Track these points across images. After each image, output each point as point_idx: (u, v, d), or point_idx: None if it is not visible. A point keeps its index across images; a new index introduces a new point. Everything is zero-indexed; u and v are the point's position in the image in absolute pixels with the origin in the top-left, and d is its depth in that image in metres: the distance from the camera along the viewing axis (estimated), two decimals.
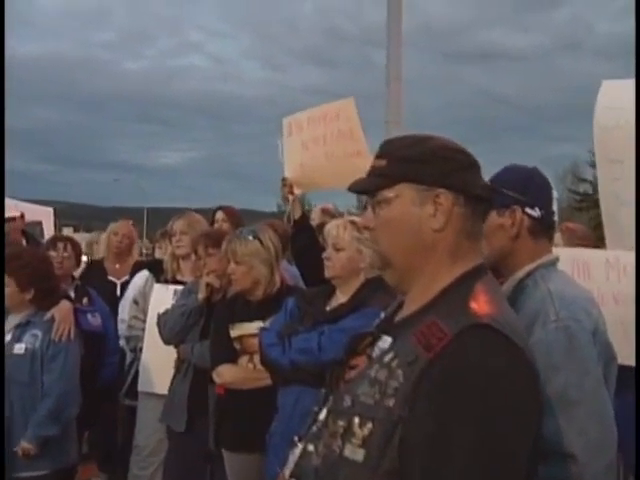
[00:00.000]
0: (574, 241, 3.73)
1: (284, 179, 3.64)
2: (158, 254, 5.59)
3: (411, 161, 1.30)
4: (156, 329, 3.63)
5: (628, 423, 1.89)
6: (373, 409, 1.16)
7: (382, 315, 1.47)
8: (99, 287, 4.48)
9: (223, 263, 3.29)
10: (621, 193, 2.75)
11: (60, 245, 4.30)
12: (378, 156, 1.37)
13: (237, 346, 3.08)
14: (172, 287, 3.91)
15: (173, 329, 3.51)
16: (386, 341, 1.26)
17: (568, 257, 2.43)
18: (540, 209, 1.83)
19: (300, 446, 1.31)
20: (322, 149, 3.53)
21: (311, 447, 1.27)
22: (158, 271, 4.15)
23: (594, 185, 34.52)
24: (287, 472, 1.31)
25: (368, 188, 1.38)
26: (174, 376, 3.60)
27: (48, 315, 3.34)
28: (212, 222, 4.48)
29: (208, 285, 3.47)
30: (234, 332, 3.08)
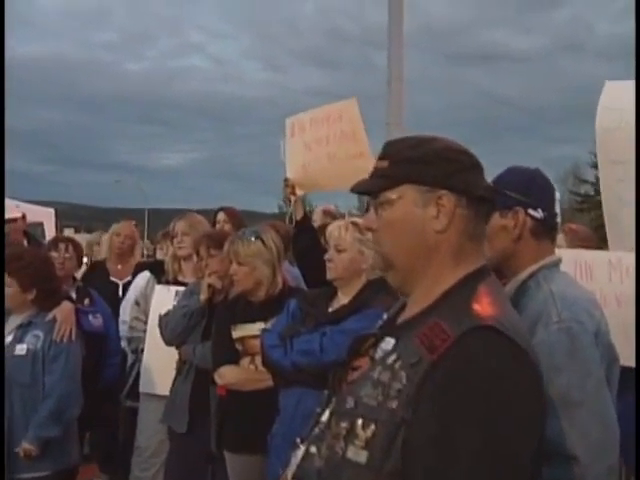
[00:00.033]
0: (577, 242, 3.74)
1: (286, 180, 3.63)
2: (159, 255, 5.59)
3: (413, 162, 1.30)
4: (157, 330, 3.63)
5: (630, 424, 1.89)
6: (376, 411, 1.16)
7: (384, 316, 1.46)
8: (101, 288, 4.48)
9: (225, 264, 3.29)
10: (623, 194, 2.75)
11: (61, 246, 4.31)
12: (381, 157, 1.37)
13: (239, 347, 3.08)
14: (173, 288, 3.90)
15: (175, 330, 3.51)
16: (389, 343, 1.25)
17: (570, 258, 2.43)
18: (543, 210, 1.83)
19: (302, 448, 1.31)
20: (325, 150, 3.53)
21: (314, 449, 1.27)
22: (159, 272, 4.15)
23: (595, 186, 34.52)
24: (289, 474, 1.31)
25: (371, 189, 1.38)
26: (175, 377, 3.60)
27: (50, 316, 3.34)
28: (214, 223, 4.49)
29: (210, 286, 3.47)
30: (236, 333, 3.08)
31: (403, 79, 6.34)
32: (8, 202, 5.20)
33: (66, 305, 3.44)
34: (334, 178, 3.53)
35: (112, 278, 4.97)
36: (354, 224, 2.79)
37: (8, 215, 4.80)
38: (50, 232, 8.99)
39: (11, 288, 3.29)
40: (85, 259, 5.70)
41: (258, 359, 2.91)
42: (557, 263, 1.85)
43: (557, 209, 1.89)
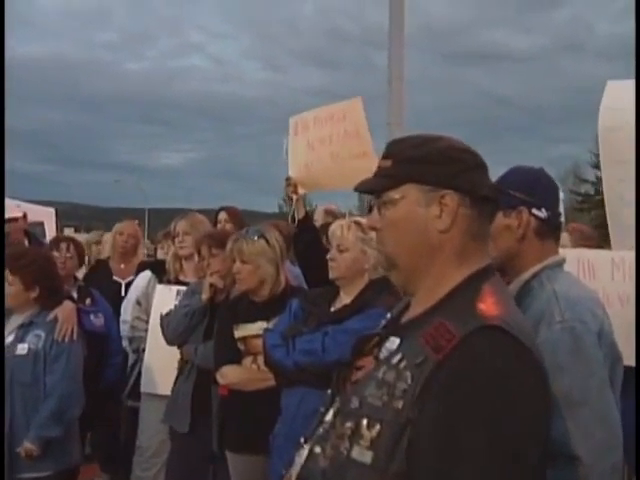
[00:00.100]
0: (581, 242, 3.74)
1: (288, 178, 3.63)
2: (160, 255, 5.59)
3: (416, 162, 1.30)
4: (159, 330, 3.63)
5: (631, 424, 1.88)
6: (381, 411, 1.15)
7: (388, 316, 1.46)
8: (104, 287, 4.49)
9: (227, 264, 3.28)
10: (625, 194, 2.75)
11: (63, 245, 4.31)
12: (384, 156, 1.37)
13: (241, 347, 3.08)
14: (175, 288, 3.90)
15: (176, 330, 3.50)
16: (393, 342, 1.25)
17: (573, 257, 2.43)
18: (547, 210, 1.83)
19: (306, 448, 1.30)
20: (328, 149, 3.52)
21: (318, 449, 1.26)
22: (161, 272, 4.15)
23: (595, 186, 34.55)
24: (294, 474, 1.30)
25: (374, 188, 1.37)
26: (177, 377, 3.59)
27: (51, 315, 3.33)
28: (215, 223, 4.49)
29: (212, 285, 3.46)
30: (238, 333, 3.08)
31: (404, 79, 6.33)
32: (9, 202, 5.21)
33: (67, 305, 3.44)
34: (336, 178, 3.53)
35: (115, 277, 4.97)
36: (356, 223, 2.79)
37: (9, 215, 4.80)
38: (50, 232, 8.98)
39: (14, 286, 3.29)
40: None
41: (260, 359, 2.91)
42: (561, 263, 1.85)
43: (561, 209, 1.89)
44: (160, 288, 3.99)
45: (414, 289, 1.33)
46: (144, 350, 3.97)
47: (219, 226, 4.43)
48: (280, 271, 3.17)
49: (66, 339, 3.29)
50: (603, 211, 2.89)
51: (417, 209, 1.28)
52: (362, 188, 1.42)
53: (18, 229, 4.93)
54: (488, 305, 1.20)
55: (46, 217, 9.62)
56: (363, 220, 2.80)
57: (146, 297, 4.09)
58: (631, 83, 2.77)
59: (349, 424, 1.20)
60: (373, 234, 2.42)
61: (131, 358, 4.18)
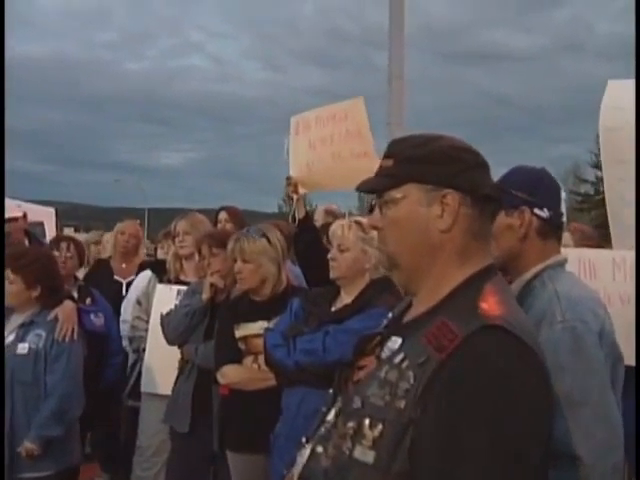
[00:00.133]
0: (583, 241, 3.74)
1: (289, 178, 3.63)
2: (160, 255, 5.60)
3: (418, 161, 1.30)
4: (159, 329, 3.62)
5: (631, 424, 1.88)
6: (384, 410, 1.15)
7: (390, 315, 1.46)
8: (105, 286, 4.49)
9: (227, 263, 3.28)
10: (626, 194, 2.75)
11: (63, 245, 4.32)
12: (386, 156, 1.37)
13: (242, 346, 3.08)
14: (175, 287, 3.90)
15: (177, 329, 3.50)
16: (396, 342, 1.25)
17: (574, 257, 2.42)
18: (549, 210, 1.83)
19: (308, 447, 1.30)
20: (329, 149, 3.52)
21: (320, 448, 1.26)
22: (161, 271, 4.15)
23: (595, 186, 34.58)
24: (296, 473, 1.30)
25: (376, 188, 1.37)
26: (177, 377, 3.59)
27: (52, 315, 3.33)
28: (215, 222, 4.49)
29: (212, 285, 3.46)
30: (239, 332, 3.08)
31: (404, 78, 6.33)
32: (9, 202, 5.21)
33: (68, 304, 3.44)
34: (337, 178, 3.52)
35: (116, 277, 4.98)
36: (357, 223, 2.78)
37: (9, 214, 4.80)
38: (50, 232, 8.98)
39: (15, 285, 3.29)
40: None
41: (261, 358, 2.91)
42: (562, 263, 1.85)
43: (563, 209, 1.89)
44: (160, 288, 3.99)
45: (416, 289, 1.33)
46: (144, 350, 3.96)
47: (219, 226, 4.43)
48: (282, 270, 3.17)
49: (66, 339, 3.29)
50: (603, 211, 2.89)
51: (418, 209, 1.28)
52: (364, 188, 1.42)
53: (18, 229, 4.93)
54: (490, 305, 1.20)
55: (46, 217, 9.62)
56: (364, 220, 2.79)
57: (146, 297, 4.09)
58: (631, 82, 2.77)
59: (351, 424, 1.20)
60: (374, 234, 2.42)
61: (131, 358, 4.17)
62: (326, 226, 3.54)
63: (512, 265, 1.82)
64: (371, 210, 1.43)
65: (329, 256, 2.78)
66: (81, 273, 4.79)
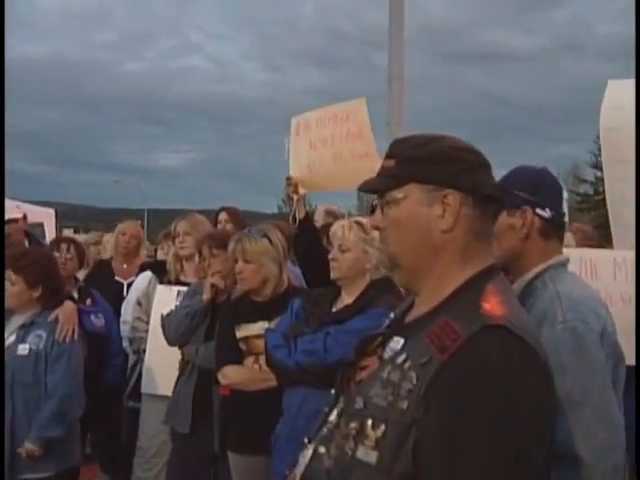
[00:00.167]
0: (584, 241, 3.75)
1: (289, 178, 3.62)
2: (160, 255, 5.60)
3: (419, 161, 1.30)
4: (160, 330, 3.62)
5: (632, 424, 1.88)
6: (386, 411, 1.15)
7: (391, 316, 1.46)
8: (106, 287, 4.49)
9: (228, 264, 3.28)
10: (626, 194, 2.75)
11: (63, 246, 4.31)
12: (387, 156, 1.37)
13: (243, 347, 3.07)
14: (175, 288, 3.90)
15: (177, 330, 3.50)
16: (398, 342, 1.25)
17: (575, 257, 2.42)
18: (551, 210, 1.83)
19: (311, 448, 1.30)
20: (330, 150, 3.52)
21: (322, 449, 1.26)
22: (161, 272, 4.14)
23: (595, 186, 34.59)
24: (298, 474, 1.30)
25: (377, 188, 1.37)
26: (178, 377, 3.59)
27: (52, 316, 3.33)
28: (215, 223, 4.48)
29: (213, 286, 3.46)
30: (240, 333, 3.07)
31: (404, 79, 6.34)
32: (8, 202, 5.20)
33: (68, 305, 3.44)
34: (338, 178, 3.52)
35: (117, 278, 4.98)
36: (358, 223, 2.78)
37: (9, 215, 4.80)
38: (50, 233, 8.95)
39: (17, 286, 3.29)
40: None
41: (262, 359, 2.91)
42: (564, 263, 1.85)
43: (565, 209, 1.89)
44: (161, 289, 3.99)
45: (417, 289, 1.33)
46: (145, 351, 3.96)
47: (219, 226, 4.43)
48: (283, 270, 3.17)
49: (67, 340, 3.29)
50: (603, 211, 2.89)
51: (420, 209, 1.28)
52: (365, 188, 1.42)
53: (18, 230, 4.92)
54: (492, 305, 1.20)
55: (46, 218, 9.59)
56: (364, 220, 2.80)
57: (147, 298, 4.09)
58: (631, 82, 2.77)
59: (354, 424, 1.20)
60: (374, 234, 2.43)
61: (132, 359, 4.17)
62: (326, 227, 3.54)
63: (514, 265, 1.82)
64: (372, 210, 1.43)
65: (330, 256, 2.78)
66: (81, 274, 4.79)
